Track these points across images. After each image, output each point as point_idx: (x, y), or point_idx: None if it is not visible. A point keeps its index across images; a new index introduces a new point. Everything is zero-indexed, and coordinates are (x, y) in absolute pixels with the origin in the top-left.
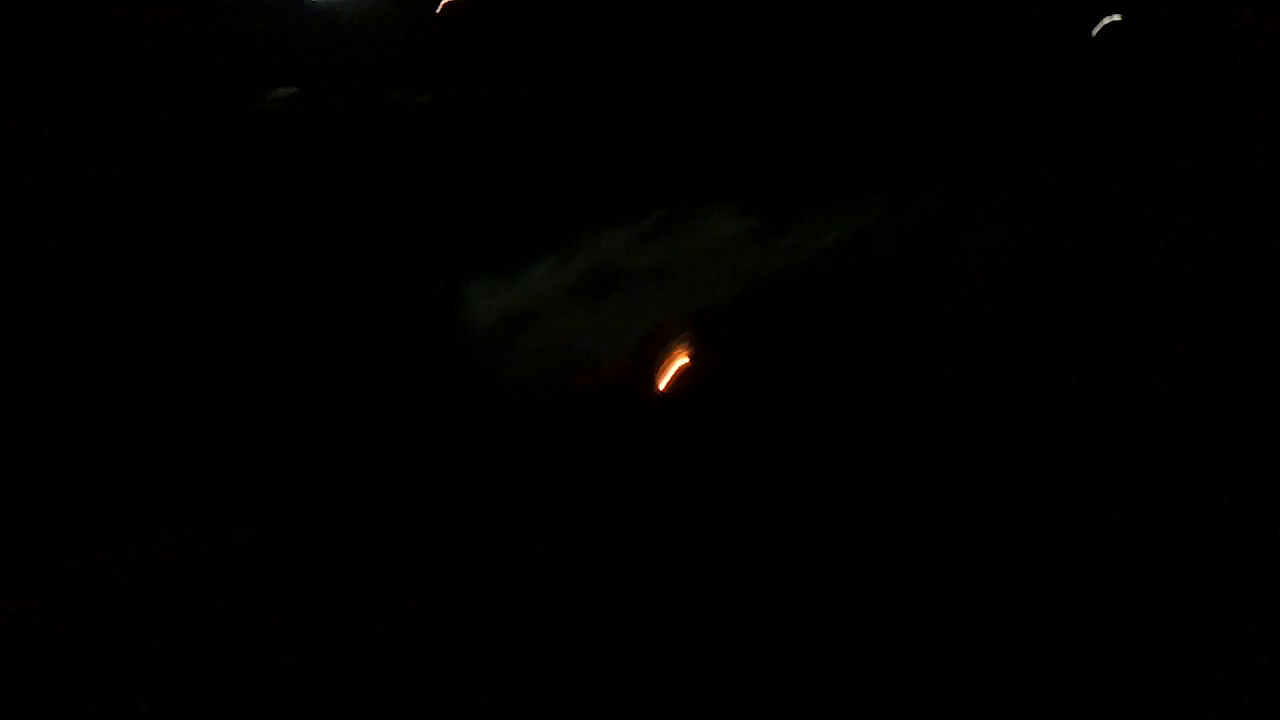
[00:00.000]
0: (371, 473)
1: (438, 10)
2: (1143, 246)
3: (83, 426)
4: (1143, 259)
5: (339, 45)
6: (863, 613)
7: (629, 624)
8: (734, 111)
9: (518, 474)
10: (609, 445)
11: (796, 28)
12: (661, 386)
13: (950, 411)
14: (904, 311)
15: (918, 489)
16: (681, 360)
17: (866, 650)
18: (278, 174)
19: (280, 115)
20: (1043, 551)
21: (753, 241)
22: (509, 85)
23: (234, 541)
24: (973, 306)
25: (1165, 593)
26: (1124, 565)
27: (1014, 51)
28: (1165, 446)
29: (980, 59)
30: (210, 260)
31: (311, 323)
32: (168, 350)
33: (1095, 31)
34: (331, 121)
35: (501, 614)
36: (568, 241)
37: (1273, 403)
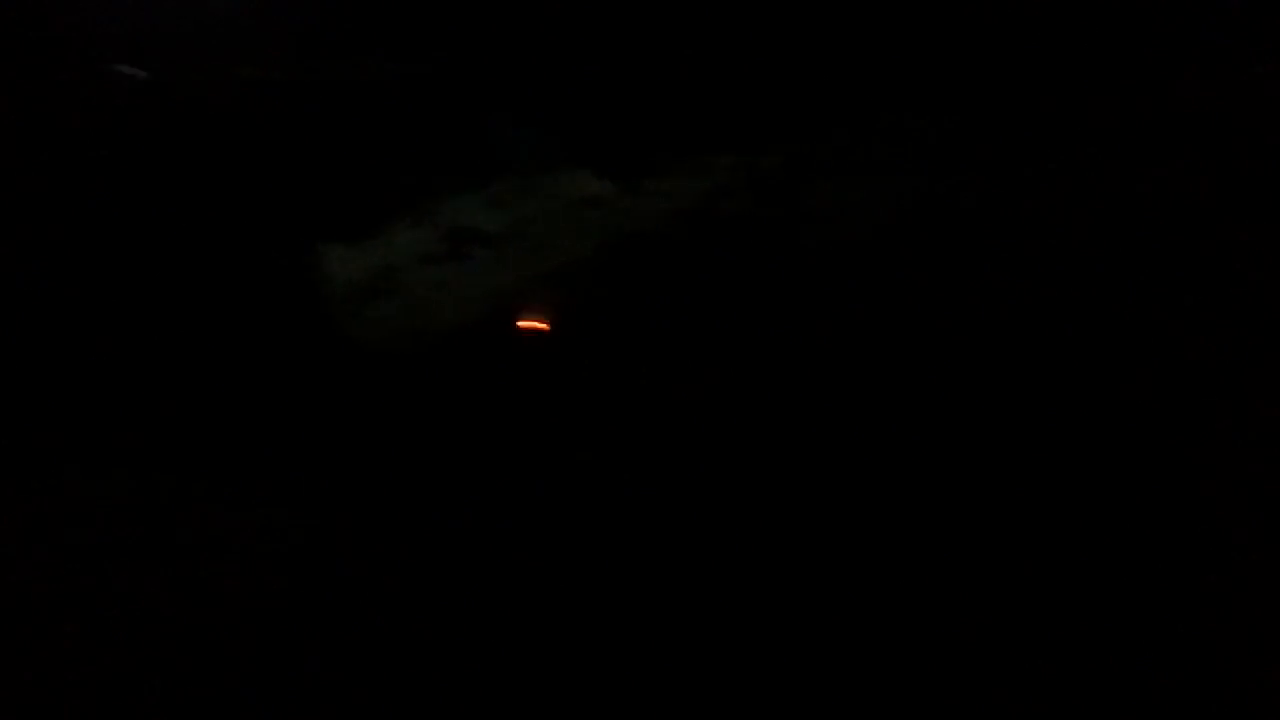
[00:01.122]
0: (229, 436)
1: None
2: (980, 193)
3: None
4: (982, 206)
5: (184, 24)
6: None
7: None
8: (580, 78)
9: (380, 436)
10: (474, 402)
11: None
12: (519, 341)
13: (798, 361)
14: (752, 264)
15: (770, 435)
16: (536, 317)
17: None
18: (125, 152)
19: (128, 92)
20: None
21: (603, 204)
22: (356, 60)
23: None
24: (820, 257)
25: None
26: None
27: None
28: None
29: (818, 21)
30: (54, 242)
31: (165, 298)
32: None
33: None
34: (179, 98)
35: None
36: (420, 209)
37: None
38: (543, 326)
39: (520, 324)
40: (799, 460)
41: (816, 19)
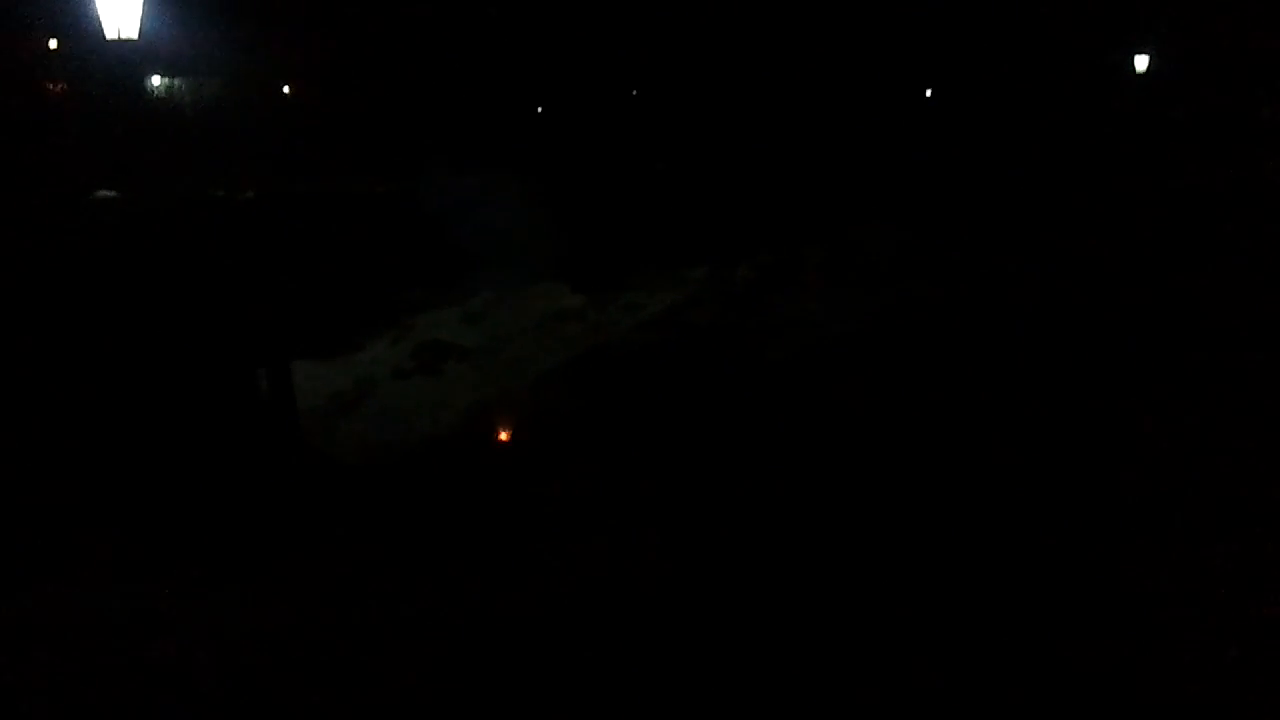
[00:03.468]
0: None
1: None
2: (953, 297)
3: None
4: (955, 310)
5: (158, 146)
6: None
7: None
8: (553, 195)
9: (349, 538)
10: (448, 504)
11: (615, 114)
12: (491, 453)
13: (765, 469)
14: (721, 371)
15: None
16: (508, 429)
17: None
18: (103, 271)
19: (103, 215)
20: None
21: (577, 317)
22: (329, 178)
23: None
24: (786, 364)
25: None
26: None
27: (827, 128)
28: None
29: (794, 139)
30: (38, 364)
31: (142, 414)
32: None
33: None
34: (154, 219)
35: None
36: (395, 324)
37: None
38: (514, 438)
39: (492, 436)
40: (768, 574)
41: (787, 134)
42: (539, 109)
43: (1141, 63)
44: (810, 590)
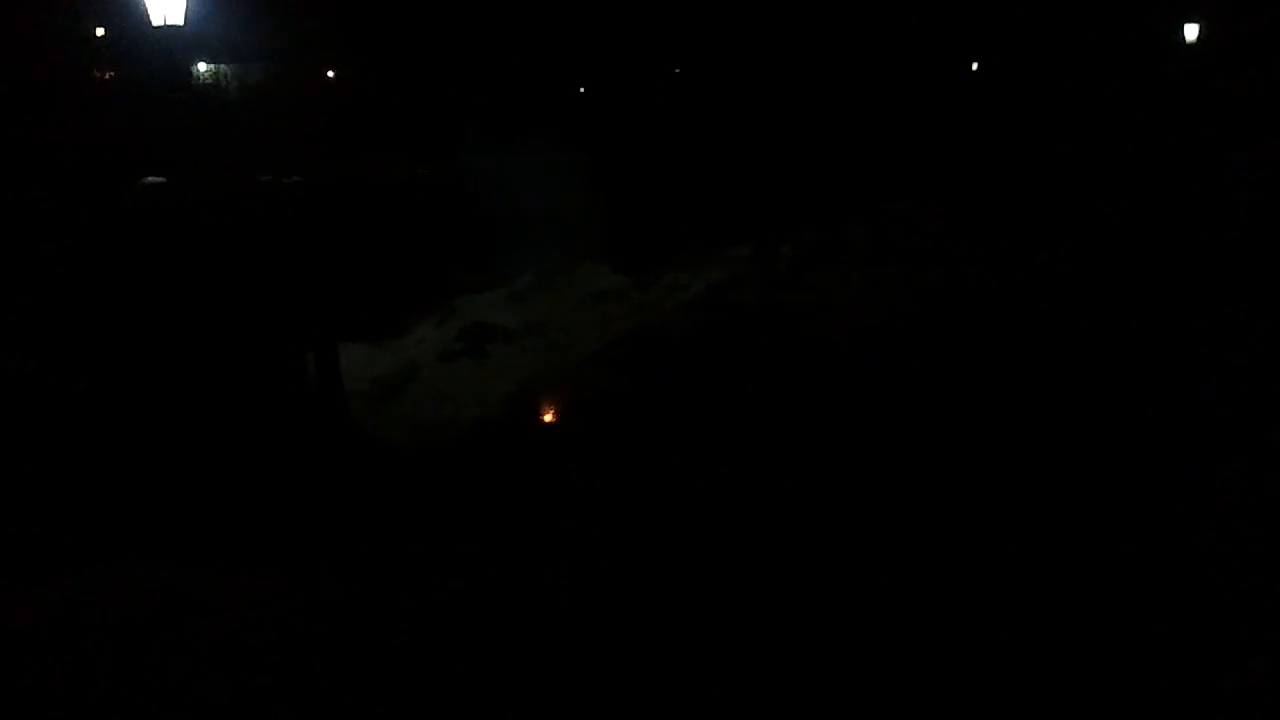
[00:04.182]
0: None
1: None
2: (990, 282)
3: None
4: (994, 293)
5: (204, 132)
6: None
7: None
8: (595, 176)
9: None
10: (489, 494)
11: (657, 94)
12: (536, 434)
13: (807, 448)
14: (763, 355)
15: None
16: (553, 410)
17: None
18: (153, 259)
19: (151, 203)
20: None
21: (620, 297)
22: (373, 161)
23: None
24: (829, 343)
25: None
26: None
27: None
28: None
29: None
30: (94, 355)
31: (193, 399)
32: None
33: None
34: (202, 205)
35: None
36: (439, 307)
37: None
38: (559, 420)
39: (537, 418)
40: (810, 554)
41: (824, 116)
42: (580, 90)
43: (1192, 32)
44: (857, 575)
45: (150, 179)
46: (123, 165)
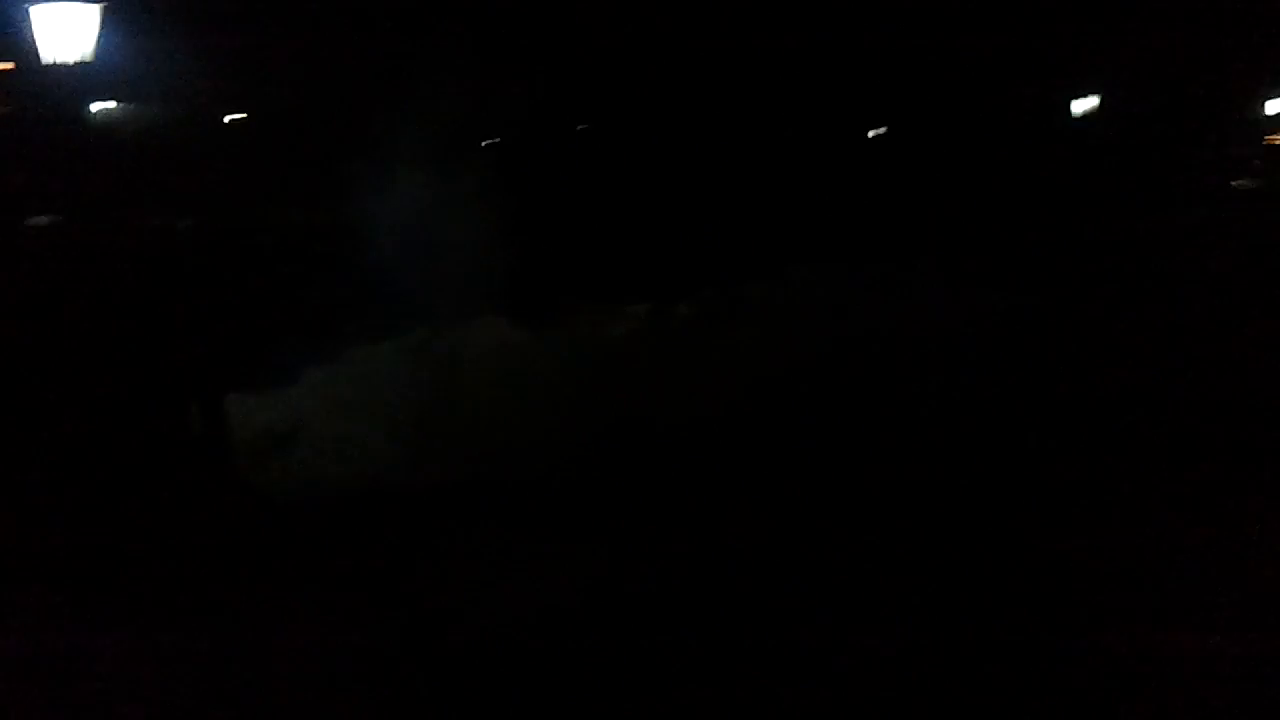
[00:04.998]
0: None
1: None
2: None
3: None
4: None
5: (98, 172)
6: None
7: None
8: (496, 227)
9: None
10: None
11: (560, 148)
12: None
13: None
14: (658, 407)
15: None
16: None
17: None
18: (31, 299)
19: (41, 240)
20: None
21: (516, 350)
22: (264, 207)
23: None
24: (725, 401)
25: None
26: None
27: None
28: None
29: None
30: None
31: (66, 450)
32: None
33: None
34: (92, 248)
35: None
36: (331, 358)
37: None
38: (445, 470)
39: (426, 469)
40: None
41: (729, 174)
42: (485, 140)
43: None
44: None
45: (38, 218)
46: (5, 205)
